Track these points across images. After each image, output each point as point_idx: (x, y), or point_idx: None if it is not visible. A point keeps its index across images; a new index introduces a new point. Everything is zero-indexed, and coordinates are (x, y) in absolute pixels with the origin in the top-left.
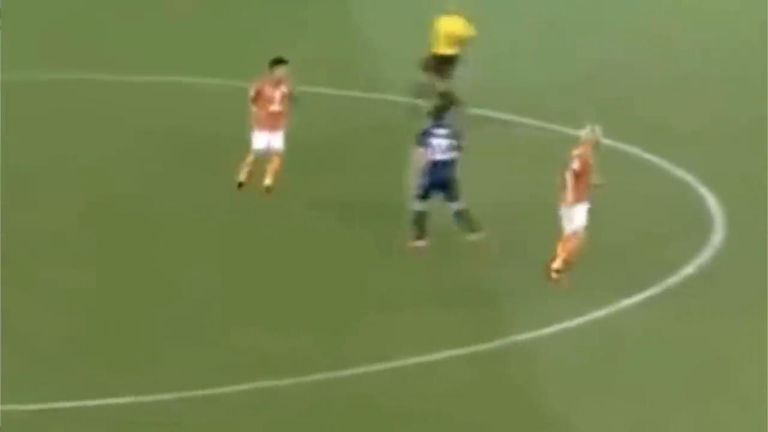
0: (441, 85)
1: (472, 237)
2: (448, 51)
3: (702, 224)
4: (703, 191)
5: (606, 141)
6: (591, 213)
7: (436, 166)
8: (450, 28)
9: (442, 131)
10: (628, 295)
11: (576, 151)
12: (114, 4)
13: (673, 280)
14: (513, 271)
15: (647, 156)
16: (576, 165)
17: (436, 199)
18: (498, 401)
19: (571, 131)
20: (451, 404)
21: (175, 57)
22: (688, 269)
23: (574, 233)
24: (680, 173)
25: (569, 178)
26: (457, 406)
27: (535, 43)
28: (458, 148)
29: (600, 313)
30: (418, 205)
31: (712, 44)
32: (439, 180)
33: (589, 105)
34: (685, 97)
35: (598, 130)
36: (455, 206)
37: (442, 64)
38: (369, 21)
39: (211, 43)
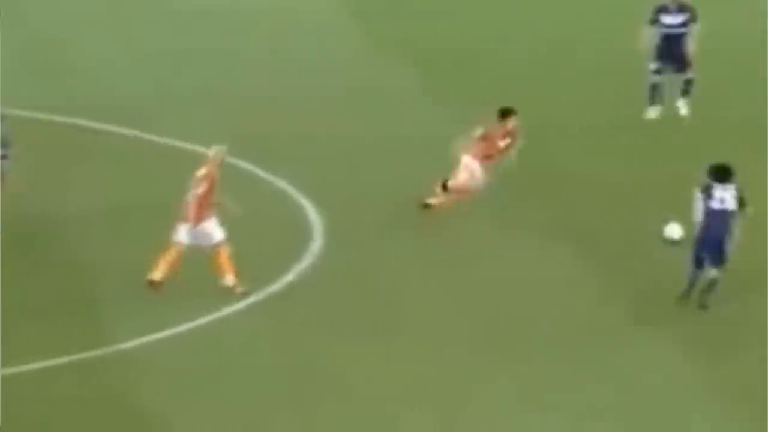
0: None
1: None
2: None
3: (302, 233)
4: (304, 201)
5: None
6: None
7: None
8: None
9: None
10: (232, 302)
11: (202, 172)
12: None
13: (274, 287)
14: (114, 279)
15: (246, 167)
16: (201, 189)
17: None
18: (102, 409)
19: (174, 142)
20: (53, 414)
21: None
22: (289, 276)
23: (217, 246)
24: (281, 185)
25: (193, 200)
26: (60, 416)
27: (136, 56)
28: (4, 156)
29: (205, 320)
30: None
31: (315, 58)
32: None
33: (191, 118)
34: (284, 109)
35: (223, 150)
36: None
37: None
38: None
39: None
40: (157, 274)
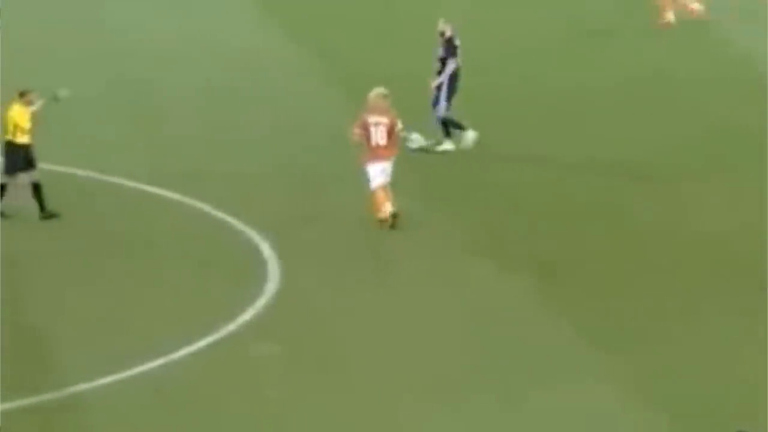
0: None
1: None
2: None
3: (256, 271)
4: (258, 239)
5: (148, 188)
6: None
7: None
8: None
9: None
10: (189, 342)
11: (380, 119)
12: None
13: (230, 327)
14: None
15: (192, 203)
16: (384, 130)
17: None
18: None
19: None
20: None
21: None
22: (245, 316)
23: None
24: (235, 222)
25: (383, 141)
26: None
27: None
28: None
29: (160, 362)
30: None
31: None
32: None
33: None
34: (227, 142)
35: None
36: None
37: None
38: None
39: None
40: (387, 211)
